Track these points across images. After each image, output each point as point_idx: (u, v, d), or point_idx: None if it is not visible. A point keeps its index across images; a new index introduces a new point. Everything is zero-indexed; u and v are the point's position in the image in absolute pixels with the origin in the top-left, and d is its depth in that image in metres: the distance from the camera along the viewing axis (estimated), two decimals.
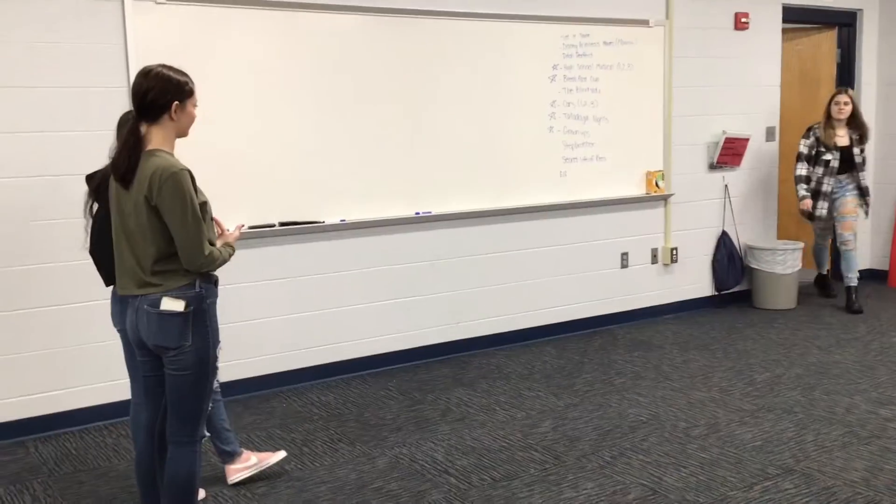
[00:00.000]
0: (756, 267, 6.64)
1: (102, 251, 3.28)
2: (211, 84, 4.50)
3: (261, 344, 4.84)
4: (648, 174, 6.20)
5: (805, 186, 6.39)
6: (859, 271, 6.58)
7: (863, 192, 6.41)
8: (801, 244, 6.68)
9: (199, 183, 2.75)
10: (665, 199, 6.32)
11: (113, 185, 2.77)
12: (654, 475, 3.64)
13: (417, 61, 5.17)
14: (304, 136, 4.86)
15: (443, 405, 4.61)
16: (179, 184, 2.63)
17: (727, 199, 6.64)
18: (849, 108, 6.22)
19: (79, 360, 4.35)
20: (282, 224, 4.84)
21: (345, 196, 5.01)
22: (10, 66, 4.06)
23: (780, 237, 7.02)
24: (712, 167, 6.54)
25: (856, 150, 6.31)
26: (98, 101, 4.25)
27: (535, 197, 5.73)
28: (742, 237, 6.72)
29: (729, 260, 6.64)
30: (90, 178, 3.35)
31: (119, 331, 3.36)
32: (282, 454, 3.76)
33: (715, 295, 6.71)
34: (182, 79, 2.75)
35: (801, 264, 6.64)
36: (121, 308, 3.26)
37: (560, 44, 5.69)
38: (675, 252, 6.42)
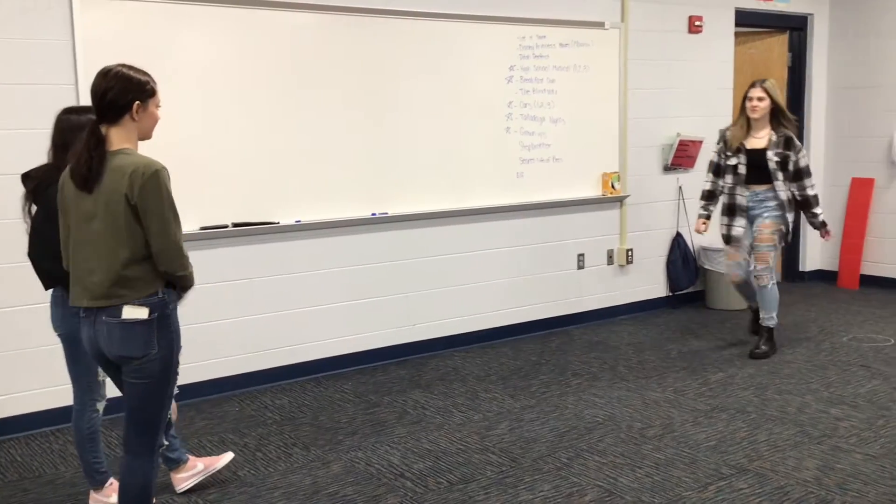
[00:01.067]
0: (709, 268, 6.71)
1: (41, 254, 3.18)
2: (162, 82, 4.37)
3: (214, 347, 4.76)
4: (604, 175, 6.23)
5: (704, 204, 5.40)
6: (808, 272, 6.65)
7: (784, 210, 5.17)
8: None
9: None
10: (621, 200, 6.35)
11: (68, 190, 2.65)
12: (609, 476, 3.65)
13: (374, 61, 5.13)
14: (258, 135, 4.79)
15: (399, 408, 4.57)
16: (162, 182, 2.57)
17: (681, 201, 6.71)
18: (765, 105, 5.10)
19: (21, 365, 4.23)
20: (235, 225, 4.76)
21: (300, 196, 4.95)
22: None
23: None
24: (667, 169, 6.60)
25: (770, 154, 5.09)
26: (45, 99, 4.13)
27: (492, 198, 5.72)
28: (695, 239, 6.79)
29: (683, 261, 6.70)
30: (26, 178, 3.22)
31: (59, 335, 3.27)
32: (229, 456, 3.69)
33: (670, 296, 6.77)
34: (143, 78, 2.67)
35: None
36: (62, 312, 3.17)
37: (517, 45, 5.69)
38: (630, 253, 6.46)
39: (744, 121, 5.20)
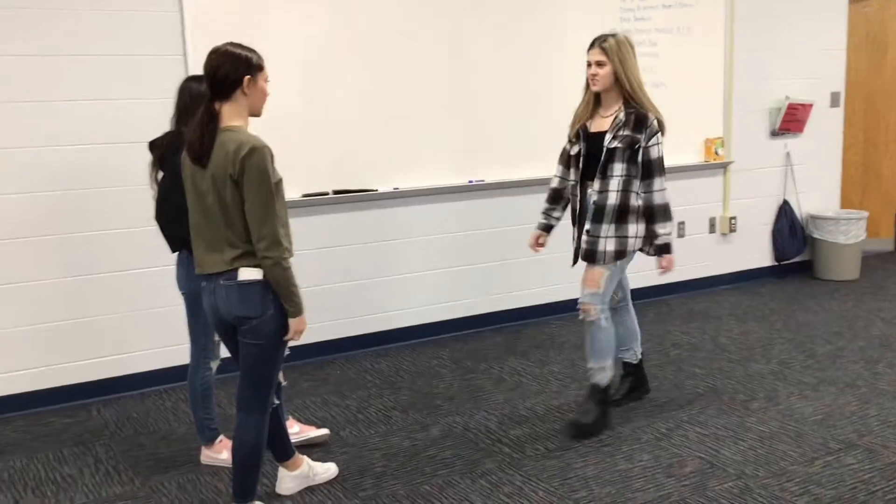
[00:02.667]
0: (818, 237, 6.46)
1: (168, 218, 3.33)
2: (266, 49, 4.48)
3: (315, 312, 4.86)
4: (707, 141, 6.06)
5: (545, 209, 4.05)
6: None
7: (620, 219, 3.66)
8: (865, 213, 6.48)
9: None
10: (724, 166, 6.17)
11: (187, 162, 2.76)
12: (711, 448, 3.59)
13: (470, 27, 5.10)
14: (358, 103, 4.84)
15: (496, 374, 4.60)
16: (262, 159, 2.63)
17: (789, 167, 6.46)
18: (606, 72, 3.61)
19: (140, 325, 4.44)
20: (335, 192, 4.84)
21: (398, 164, 4.99)
22: (68, 34, 4.10)
23: (843, 206, 6.81)
24: (774, 134, 6.36)
25: (608, 138, 3.62)
26: (153, 70, 4.28)
27: None
28: (804, 206, 6.54)
29: (790, 229, 6.47)
30: (153, 146, 3.38)
31: (183, 294, 3.42)
32: (324, 432, 3.77)
33: (775, 265, 6.56)
34: (250, 54, 2.73)
35: (864, 234, 6.44)
36: (187, 272, 3.31)
37: (617, 7, 5.56)
38: (733, 221, 6.28)
39: (591, 95, 3.74)
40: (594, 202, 3.68)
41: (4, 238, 4.07)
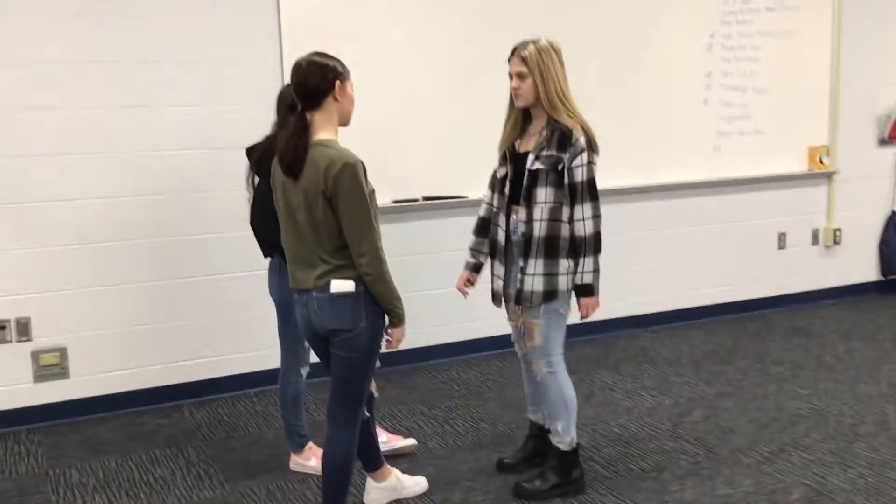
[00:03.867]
0: None
1: (261, 223, 3.34)
2: (357, 57, 4.48)
3: (406, 319, 4.83)
4: (811, 149, 5.80)
5: (473, 242, 3.52)
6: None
7: (550, 253, 3.14)
8: None
9: None
10: (829, 176, 5.90)
11: (278, 173, 2.73)
12: (817, 474, 3.39)
13: (562, 31, 4.98)
14: (448, 109, 4.80)
15: (586, 388, 4.48)
16: (355, 175, 2.59)
17: None
18: (528, 86, 3.15)
19: (234, 329, 4.48)
20: (425, 198, 4.80)
21: (489, 170, 4.90)
22: (173, 41, 4.18)
23: None
24: (883, 142, 6.04)
25: (530, 158, 3.16)
26: (253, 74, 4.32)
27: (685, 173, 5.46)
28: None
29: None
30: (250, 152, 3.40)
31: (275, 301, 3.42)
32: (411, 442, 3.73)
33: (881, 280, 6.23)
34: (335, 62, 2.70)
35: None
36: (279, 279, 3.32)
37: (718, 10, 5.37)
38: (838, 233, 5.99)
39: (518, 111, 3.28)
40: (521, 233, 3.19)
41: (106, 240, 4.17)
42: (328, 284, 2.67)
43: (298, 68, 2.68)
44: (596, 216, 3.13)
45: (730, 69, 5.46)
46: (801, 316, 5.72)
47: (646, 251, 5.46)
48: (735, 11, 5.41)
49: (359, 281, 2.68)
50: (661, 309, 5.56)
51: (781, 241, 5.86)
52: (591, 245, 3.12)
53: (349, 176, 2.58)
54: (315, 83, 2.65)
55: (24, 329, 4.06)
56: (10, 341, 4.05)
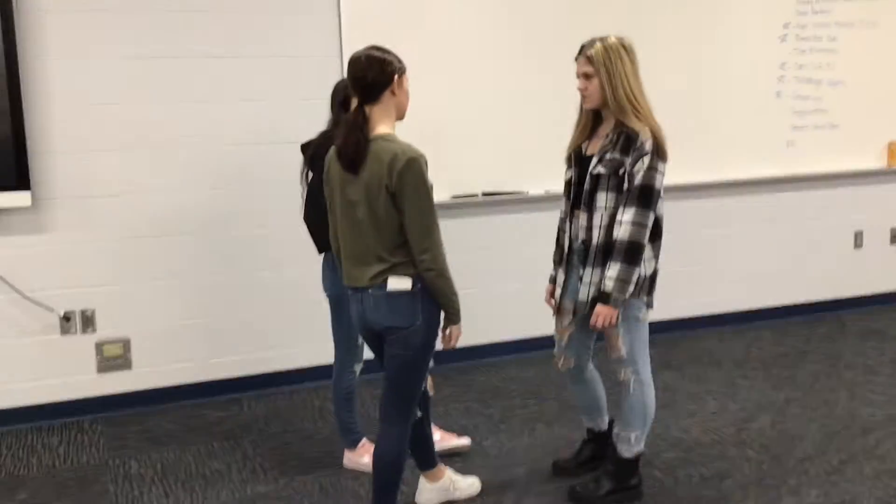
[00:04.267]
0: None
1: (315, 218, 3.34)
2: (418, 50, 4.45)
3: (464, 315, 4.77)
4: (891, 144, 5.54)
5: (555, 252, 3.31)
6: None
7: (618, 257, 2.94)
8: None
9: None
10: None
11: (335, 169, 2.71)
12: (890, 487, 3.23)
13: (628, 22, 4.85)
14: (509, 104, 4.72)
15: None
16: (419, 170, 2.55)
17: None
18: (595, 86, 3.02)
19: (290, 323, 4.50)
20: (485, 194, 4.74)
21: (549, 166, 4.80)
22: (232, 35, 4.21)
23: None
24: None
25: (594, 161, 3.03)
26: (311, 71, 4.32)
27: (755, 169, 5.28)
28: None
29: None
30: (305, 147, 3.40)
31: (328, 296, 3.42)
32: (466, 441, 3.68)
33: None
34: (393, 57, 2.67)
35: None
36: (332, 275, 3.31)
37: (793, 0, 5.15)
38: None
39: (587, 112, 3.15)
40: (582, 240, 3.08)
41: (169, 234, 4.23)
42: (384, 282, 2.64)
43: (357, 62, 2.65)
44: (637, 223, 2.91)
45: (804, 61, 5.25)
46: (877, 318, 5.48)
47: (715, 249, 5.29)
48: (811, 1, 5.20)
49: (416, 279, 2.64)
50: (730, 309, 5.40)
51: (858, 239, 5.62)
52: (621, 252, 2.91)
53: (414, 171, 2.55)
54: (374, 77, 2.62)
55: (88, 321, 4.15)
56: (76, 332, 4.14)
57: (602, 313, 2.98)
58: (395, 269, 2.64)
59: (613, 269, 2.93)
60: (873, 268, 5.69)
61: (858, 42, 5.35)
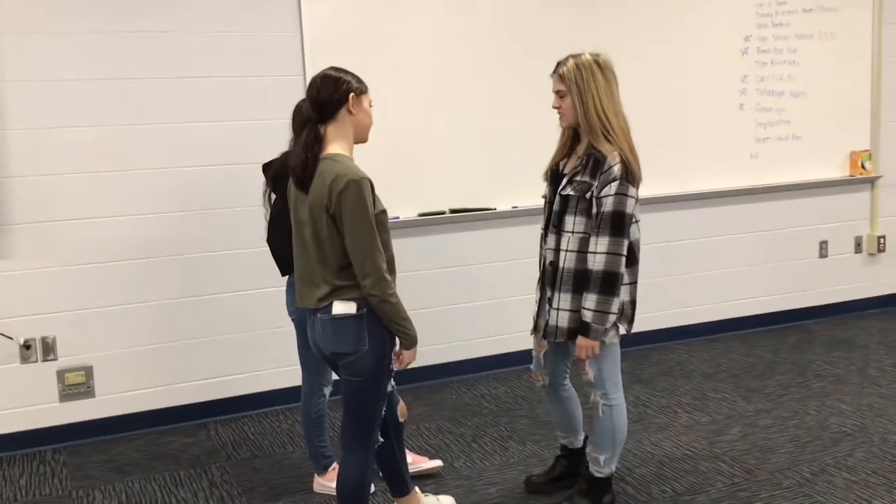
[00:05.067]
0: None
1: (278, 240, 3.29)
2: (384, 69, 4.43)
3: (432, 333, 4.76)
4: (853, 154, 5.61)
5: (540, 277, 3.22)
6: None
7: (580, 283, 2.95)
8: None
9: (369, 169, 2.63)
10: (872, 181, 5.70)
11: (292, 190, 2.69)
12: (861, 497, 3.23)
13: (593, 39, 4.86)
14: (476, 121, 4.71)
15: None
16: (359, 192, 2.50)
17: None
18: (568, 104, 2.98)
19: (256, 346, 4.43)
20: (452, 211, 4.72)
21: (517, 182, 4.82)
22: (195, 57, 4.15)
23: None
24: None
25: (563, 183, 3.03)
26: (274, 91, 4.28)
27: (721, 181, 5.32)
28: None
29: None
30: (266, 167, 3.36)
31: (293, 320, 3.37)
32: (437, 463, 3.63)
33: None
34: (350, 77, 2.64)
35: None
36: (295, 297, 3.25)
37: (753, 13, 5.23)
38: (882, 240, 5.78)
39: (568, 131, 3.10)
40: (549, 262, 3.05)
41: (128, 258, 4.15)
42: (330, 306, 2.60)
43: (313, 83, 2.65)
44: (612, 253, 2.86)
45: (766, 73, 5.31)
46: (844, 327, 5.52)
47: (681, 261, 5.31)
48: (771, 14, 5.26)
49: (362, 302, 2.59)
50: (698, 320, 5.41)
51: (823, 249, 5.68)
52: (597, 283, 2.86)
53: (353, 193, 2.50)
54: (328, 95, 2.59)
55: (49, 348, 4.05)
56: (36, 361, 4.04)
57: (583, 346, 2.95)
58: (340, 292, 2.59)
59: (591, 301, 2.89)
60: (839, 277, 5.74)
61: (818, 53, 5.42)
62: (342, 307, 2.58)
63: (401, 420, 3.00)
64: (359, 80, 2.66)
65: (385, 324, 2.62)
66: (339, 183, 2.50)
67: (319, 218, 2.56)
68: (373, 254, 2.54)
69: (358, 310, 2.58)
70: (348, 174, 2.52)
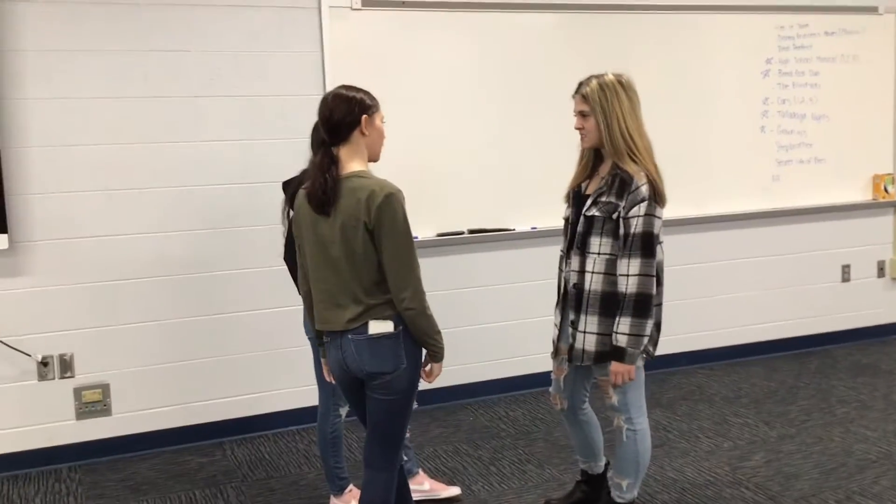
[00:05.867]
0: None
1: (295, 259, 3.27)
2: (404, 89, 4.44)
3: (446, 355, 4.69)
4: (876, 178, 5.55)
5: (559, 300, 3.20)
6: None
7: (607, 306, 2.92)
8: None
9: None
10: (895, 205, 5.63)
11: (304, 210, 2.63)
12: None
13: (614, 61, 4.86)
14: (495, 142, 4.70)
15: None
16: (398, 205, 2.49)
17: None
18: (591, 125, 2.96)
19: (274, 365, 4.41)
20: (471, 231, 4.70)
21: (535, 203, 4.79)
22: (215, 75, 4.17)
23: None
24: None
25: (588, 204, 2.98)
26: (295, 109, 4.29)
27: (742, 203, 5.27)
28: None
29: None
30: (286, 185, 3.35)
31: (310, 339, 3.34)
32: (455, 491, 3.57)
33: None
34: (363, 95, 2.61)
35: None
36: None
37: (775, 35, 5.20)
38: None
39: (590, 152, 3.07)
40: (574, 284, 3.00)
41: (148, 276, 4.15)
42: (365, 326, 2.56)
43: (325, 102, 2.61)
44: (644, 275, 2.83)
45: (787, 96, 5.28)
46: (868, 352, 5.44)
47: (702, 284, 5.26)
48: (792, 36, 5.24)
49: (397, 320, 2.57)
50: (719, 344, 5.35)
51: (845, 273, 5.61)
52: (630, 305, 2.82)
53: (393, 206, 2.48)
54: (340, 117, 2.56)
55: (66, 366, 4.05)
56: (53, 378, 4.04)
57: (619, 371, 2.89)
58: (373, 311, 2.55)
59: (625, 325, 2.84)
60: (861, 301, 5.67)
61: (840, 76, 5.39)
62: (379, 326, 2.55)
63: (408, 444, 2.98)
64: (371, 98, 2.62)
65: (418, 338, 2.59)
66: (378, 197, 2.48)
67: (354, 235, 2.52)
68: (413, 266, 2.52)
69: (395, 328, 2.56)
70: (385, 188, 2.50)
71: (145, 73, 4.06)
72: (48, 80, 3.92)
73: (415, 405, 2.74)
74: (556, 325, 3.18)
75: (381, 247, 2.51)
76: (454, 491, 3.57)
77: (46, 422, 4.05)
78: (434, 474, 3.76)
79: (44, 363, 4.01)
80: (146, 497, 3.69)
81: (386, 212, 2.48)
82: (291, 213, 3.30)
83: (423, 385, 2.72)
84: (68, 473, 3.97)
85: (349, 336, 2.58)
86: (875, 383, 4.84)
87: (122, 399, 4.15)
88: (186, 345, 4.25)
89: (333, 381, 2.81)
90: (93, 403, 4.10)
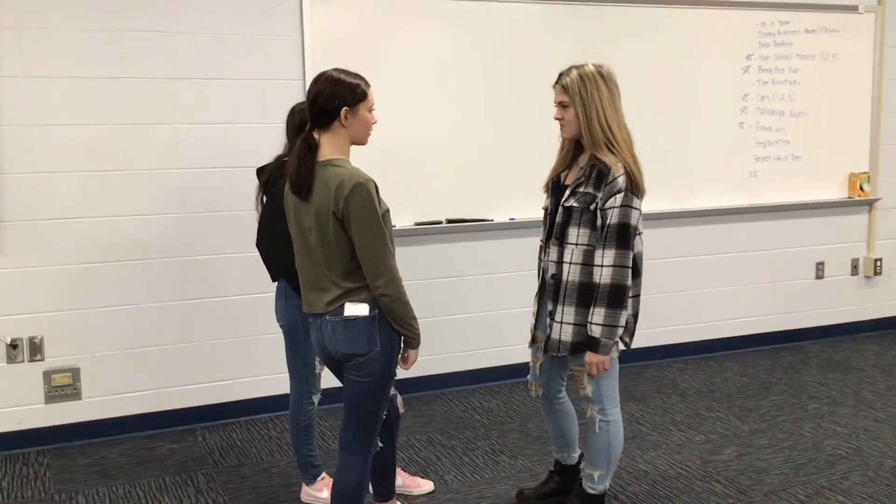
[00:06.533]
0: None
1: (269, 245, 3.25)
2: (383, 77, 4.40)
3: (422, 344, 4.69)
4: (852, 176, 5.59)
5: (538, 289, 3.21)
6: None
7: (583, 296, 2.91)
8: None
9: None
10: (870, 203, 5.68)
11: (290, 196, 2.64)
12: None
13: (595, 53, 4.85)
14: (474, 132, 4.68)
15: None
16: (367, 195, 2.49)
17: None
18: (571, 116, 2.94)
19: (247, 352, 4.38)
20: (449, 221, 4.68)
21: (515, 194, 4.79)
22: (195, 58, 4.11)
23: None
24: None
25: (566, 195, 2.97)
26: (274, 94, 4.24)
27: (719, 199, 5.29)
28: None
29: None
30: (260, 172, 3.33)
31: (281, 326, 3.32)
32: (428, 487, 3.55)
33: None
34: (353, 81, 2.58)
35: None
36: (285, 304, 3.22)
37: (755, 32, 5.21)
38: (879, 263, 5.76)
39: (569, 142, 3.06)
40: (552, 275, 2.99)
41: (120, 259, 4.10)
42: (341, 308, 2.58)
43: (313, 82, 2.60)
44: (619, 266, 2.83)
45: (767, 92, 5.30)
46: (840, 349, 5.49)
47: (678, 278, 5.28)
48: (773, 33, 5.25)
49: (373, 304, 2.58)
50: (693, 339, 5.38)
51: (819, 270, 5.65)
52: (604, 296, 2.83)
53: (361, 195, 2.48)
54: (322, 103, 2.56)
55: (36, 349, 3.99)
56: (23, 361, 3.98)
57: (593, 362, 2.90)
58: (350, 295, 2.58)
59: (598, 315, 2.85)
60: (835, 298, 5.72)
61: (819, 74, 5.41)
62: (354, 308, 2.57)
63: (401, 411, 3.02)
64: (359, 88, 2.58)
65: (394, 324, 2.61)
66: (346, 187, 2.48)
67: (326, 223, 2.53)
68: (384, 254, 2.54)
69: (370, 311, 2.57)
70: (354, 177, 2.49)
71: (122, 53, 4.00)
72: (23, 58, 3.85)
73: (392, 391, 2.74)
74: (534, 314, 3.18)
75: (353, 235, 2.52)
76: (427, 487, 3.55)
77: (15, 405, 3.99)
78: (407, 464, 3.76)
79: (13, 345, 3.95)
80: (115, 482, 3.65)
81: (354, 201, 2.48)
82: (264, 199, 3.28)
83: (399, 373, 2.72)
84: (36, 458, 3.92)
85: (327, 317, 2.60)
86: (846, 380, 4.89)
87: (92, 383, 4.11)
88: (159, 330, 4.20)
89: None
90: (62, 387, 4.05)
